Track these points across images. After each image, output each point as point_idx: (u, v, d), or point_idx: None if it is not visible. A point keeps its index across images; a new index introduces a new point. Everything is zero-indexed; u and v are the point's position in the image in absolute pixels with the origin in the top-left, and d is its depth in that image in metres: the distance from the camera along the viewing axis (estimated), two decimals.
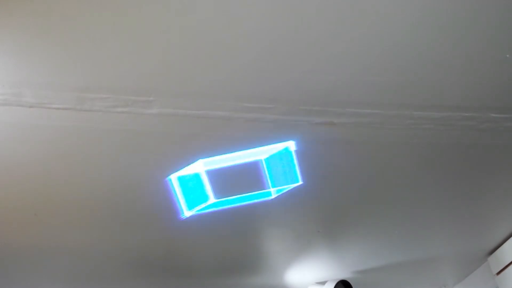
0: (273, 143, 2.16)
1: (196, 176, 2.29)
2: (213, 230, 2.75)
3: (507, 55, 1.83)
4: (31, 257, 2.92)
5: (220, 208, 2.48)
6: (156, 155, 2.16)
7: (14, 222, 2.55)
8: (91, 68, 1.76)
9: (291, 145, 2.20)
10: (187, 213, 2.49)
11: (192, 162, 2.22)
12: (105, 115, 1.91)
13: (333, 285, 3.15)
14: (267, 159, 2.27)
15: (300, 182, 2.38)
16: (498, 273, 3.18)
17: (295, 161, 2.28)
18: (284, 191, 2.45)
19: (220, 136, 2.07)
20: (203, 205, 2.45)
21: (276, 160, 2.28)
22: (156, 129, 1.99)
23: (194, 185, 2.34)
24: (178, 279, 3.35)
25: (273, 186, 2.42)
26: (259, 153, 2.25)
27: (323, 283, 3.27)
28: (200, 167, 2.24)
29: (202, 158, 2.20)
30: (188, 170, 2.25)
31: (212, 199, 2.41)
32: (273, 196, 2.46)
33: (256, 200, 2.47)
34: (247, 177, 2.34)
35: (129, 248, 2.91)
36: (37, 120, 1.91)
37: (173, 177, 2.28)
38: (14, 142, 2.03)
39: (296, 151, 2.21)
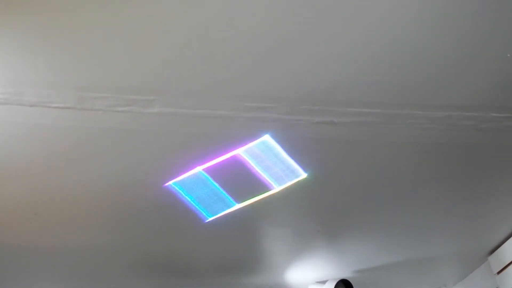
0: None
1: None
2: (213, 230, 2.75)
3: (508, 55, 1.83)
4: (31, 256, 2.93)
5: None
6: (157, 154, 2.16)
7: (14, 222, 2.55)
8: (92, 67, 1.76)
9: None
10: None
11: (193, 162, 2.22)
12: (106, 114, 1.91)
13: (334, 284, 3.16)
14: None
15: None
16: (499, 272, 3.19)
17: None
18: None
19: (221, 136, 2.08)
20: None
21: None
22: (157, 129, 2.00)
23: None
24: (178, 279, 3.35)
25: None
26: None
27: (323, 282, 3.28)
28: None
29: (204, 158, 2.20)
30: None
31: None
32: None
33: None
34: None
35: (129, 248, 2.91)
36: (38, 119, 1.91)
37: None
38: (14, 141, 2.04)
39: (297, 151, 2.22)
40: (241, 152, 2.20)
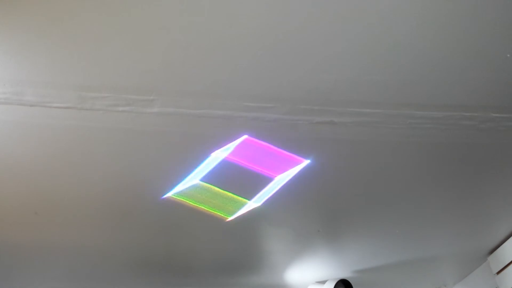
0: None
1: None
2: (213, 229, 2.75)
3: (508, 55, 1.83)
4: (31, 255, 2.93)
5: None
6: (157, 154, 2.16)
7: (14, 221, 2.55)
8: (92, 67, 1.76)
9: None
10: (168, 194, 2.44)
11: (193, 162, 2.22)
12: (106, 114, 1.91)
13: (333, 284, 3.15)
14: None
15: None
16: (498, 272, 3.19)
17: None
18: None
19: (221, 136, 2.08)
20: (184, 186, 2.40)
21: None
22: (157, 128, 2.00)
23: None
24: (178, 278, 3.35)
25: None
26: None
27: (323, 282, 3.27)
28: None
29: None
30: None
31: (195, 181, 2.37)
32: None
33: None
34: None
35: (129, 247, 2.91)
36: (38, 119, 1.92)
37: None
38: (14, 141, 2.04)
39: (297, 151, 2.22)
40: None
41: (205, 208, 2.51)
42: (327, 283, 3.22)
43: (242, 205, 2.52)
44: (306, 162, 2.28)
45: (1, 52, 1.69)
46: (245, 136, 2.10)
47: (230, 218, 2.61)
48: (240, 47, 1.74)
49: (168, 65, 1.78)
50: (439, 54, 1.81)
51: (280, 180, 2.38)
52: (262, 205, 2.51)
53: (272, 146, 2.17)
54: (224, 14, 1.64)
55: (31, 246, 2.81)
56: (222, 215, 2.59)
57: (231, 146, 2.15)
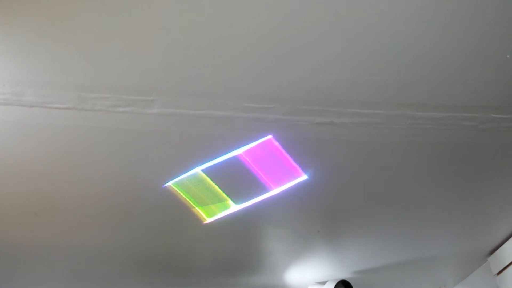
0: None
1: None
2: (213, 230, 2.75)
3: (508, 55, 1.83)
4: (31, 256, 2.93)
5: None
6: (157, 154, 2.16)
7: (14, 221, 2.55)
8: (92, 67, 1.76)
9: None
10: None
11: (193, 162, 2.22)
12: (106, 115, 1.91)
13: (333, 285, 3.15)
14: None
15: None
16: (499, 273, 3.18)
17: None
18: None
19: (221, 136, 2.07)
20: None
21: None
22: (157, 129, 2.00)
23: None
24: (178, 279, 3.35)
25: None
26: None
27: (323, 283, 3.27)
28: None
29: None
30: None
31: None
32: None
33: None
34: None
35: (129, 247, 2.91)
36: (38, 119, 1.92)
37: None
38: (14, 142, 2.04)
39: (297, 151, 2.22)
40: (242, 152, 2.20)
41: (191, 202, 2.50)
42: (327, 283, 3.22)
43: (226, 208, 2.53)
44: (304, 177, 2.33)
45: (1, 52, 1.69)
46: (269, 137, 2.11)
47: (209, 220, 2.61)
48: (240, 47, 1.74)
49: (168, 65, 1.78)
50: (439, 54, 1.81)
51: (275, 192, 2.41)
52: (261, 205, 2.51)
53: (283, 153, 2.18)
54: (224, 14, 1.64)
55: (31, 246, 2.81)
56: (203, 213, 2.58)
57: (251, 144, 2.15)
